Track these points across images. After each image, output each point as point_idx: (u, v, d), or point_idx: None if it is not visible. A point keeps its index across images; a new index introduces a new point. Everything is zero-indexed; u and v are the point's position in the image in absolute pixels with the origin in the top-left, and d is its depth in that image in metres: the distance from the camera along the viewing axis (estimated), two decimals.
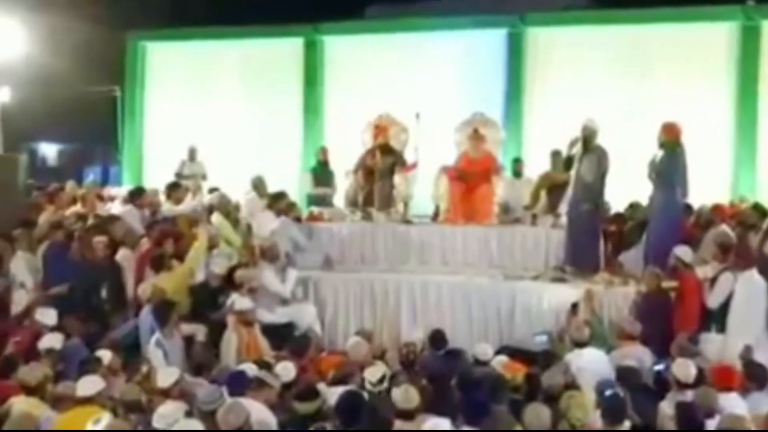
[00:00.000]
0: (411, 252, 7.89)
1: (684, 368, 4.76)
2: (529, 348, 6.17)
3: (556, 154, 8.13)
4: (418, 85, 10.22)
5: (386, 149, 8.57)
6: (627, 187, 7.74)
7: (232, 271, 6.57)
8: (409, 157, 8.62)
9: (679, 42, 9.77)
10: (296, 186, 9.89)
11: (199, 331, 6.02)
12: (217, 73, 11.37)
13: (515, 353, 5.91)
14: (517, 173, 9.08)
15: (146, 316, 5.89)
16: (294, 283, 6.81)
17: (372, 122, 8.93)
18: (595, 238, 7.20)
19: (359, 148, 8.84)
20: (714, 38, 9.78)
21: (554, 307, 6.66)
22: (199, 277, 6.52)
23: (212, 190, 9.24)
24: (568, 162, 7.35)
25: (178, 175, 10.01)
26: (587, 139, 7.12)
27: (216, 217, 7.60)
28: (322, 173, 9.54)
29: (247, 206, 8.37)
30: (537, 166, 8.71)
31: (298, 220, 7.82)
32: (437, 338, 5.96)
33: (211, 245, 6.83)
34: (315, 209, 8.66)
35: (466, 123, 8.85)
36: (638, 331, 5.73)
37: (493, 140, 8.72)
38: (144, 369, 5.25)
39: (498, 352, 5.81)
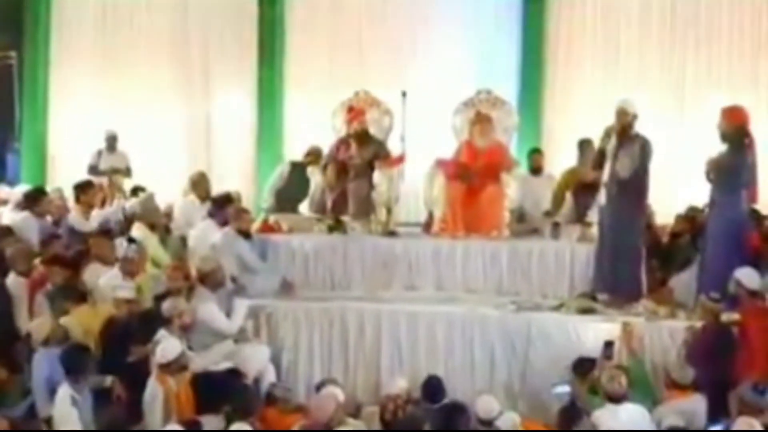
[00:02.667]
0: (395, 273, 7.85)
1: (748, 429, 4.74)
2: (549, 402, 6.12)
3: (585, 145, 8.09)
4: (406, 54, 10.23)
5: (364, 138, 8.50)
6: (678, 189, 7.76)
7: (158, 300, 6.49)
8: (393, 148, 8.56)
9: None
10: (250, 185, 9.87)
11: (114, 383, 5.90)
12: (143, 35, 11.36)
13: (530, 409, 5.92)
14: (535, 169, 9.05)
15: (43, 362, 5.78)
16: (243, 316, 6.74)
17: (345, 102, 8.90)
18: (635, 255, 7.15)
19: (328, 135, 8.79)
20: None
21: (581, 347, 6.62)
22: (129, 293, 6.43)
23: (137, 191, 9.19)
24: (601, 156, 7.31)
25: (93, 169, 10.01)
26: (624, 127, 7.10)
27: (139, 229, 7.56)
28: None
29: (182, 213, 8.44)
30: (560, 159, 8.77)
31: (247, 233, 7.74)
32: (432, 387, 5.90)
33: None
34: (271, 217, 8.60)
35: (467, 103, 8.82)
36: (690, 379, 5.74)
37: (503, 126, 8.67)
38: None
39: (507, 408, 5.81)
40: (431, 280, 7.81)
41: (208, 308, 6.54)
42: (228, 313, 6.65)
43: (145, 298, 6.68)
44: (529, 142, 9.76)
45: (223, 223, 7.68)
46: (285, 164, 9.28)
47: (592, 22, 10.18)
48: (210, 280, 6.66)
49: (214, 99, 11.25)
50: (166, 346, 5.84)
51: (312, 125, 9.98)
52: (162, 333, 6.11)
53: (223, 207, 7.87)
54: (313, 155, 8.98)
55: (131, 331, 6.28)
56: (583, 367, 6.20)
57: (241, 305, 6.74)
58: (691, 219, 7.93)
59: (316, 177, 8.66)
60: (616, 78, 9.31)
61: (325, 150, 8.73)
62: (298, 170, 8.98)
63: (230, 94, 11.26)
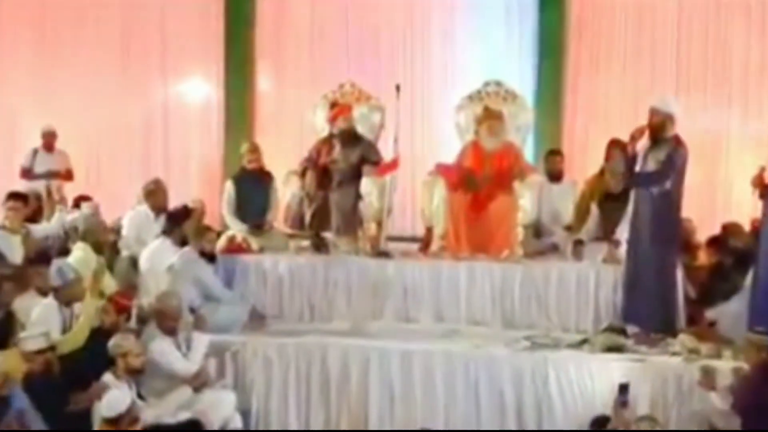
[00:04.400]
0: (387, 302, 7.87)
1: None
2: None
3: (614, 147, 8.09)
4: (400, 42, 10.26)
5: (350, 138, 8.53)
6: (721, 201, 7.74)
7: (100, 338, 6.44)
8: (385, 150, 8.58)
9: None
10: (216, 194, 9.91)
11: None
12: (88, 9, 11.37)
13: None
14: (554, 175, 9.06)
15: None
16: (203, 355, 6.70)
17: (328, 96, 8.95)
18: (670, 280, 7.20)
19: (308, 135, 8.82)
20: None
21: (608, 391, 6.50)
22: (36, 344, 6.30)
23: (80, 201, 9.12)
24: (633, 161, 7.32)
25: (27, 172, 9.98)
26: (657, 128, 7.14)
27: (81, 249, 7.51)
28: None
29: (133, 228, 8.33)
30: (584, 164, 8.79)
31: (211, 254, 7.69)
32: None
33: None
34: (238, 234, 8.54)
35: (473, 97, 8.86)
36: None
37: (515, 124, 8.71)
38: None
39: None
40: (429, 310, 7.81)
41: (160, 346, 6.49)
42: (185, 352, 6.61)
43: (78, 335, 6.63)
44: (547, 143, 9.79)
45: (182, 242, 7.65)
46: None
47: (622, 4, 10.24)
48: (165, 322, 6.60)
49: (173, 94, 11.32)
50: (112, 397, 5.77)
51: (289, 124, 9.98)
52: (106, 378, 6.05)
53: (180, 222, 7.82)
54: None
55: (54, 385, 6.17)
56: (622, 391, 6.13)
57: (202, 342, 6.69)
58: (735, 236, 7.90)
59: (292, 185, 8.65)
60: (652, 71, 9.32)
61: (303, 153, 8.72)
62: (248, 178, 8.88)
63: (192, 88, 11.32)
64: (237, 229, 8.55)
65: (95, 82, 11.22)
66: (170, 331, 6.58)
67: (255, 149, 8.86)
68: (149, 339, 6.53)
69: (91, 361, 6.38)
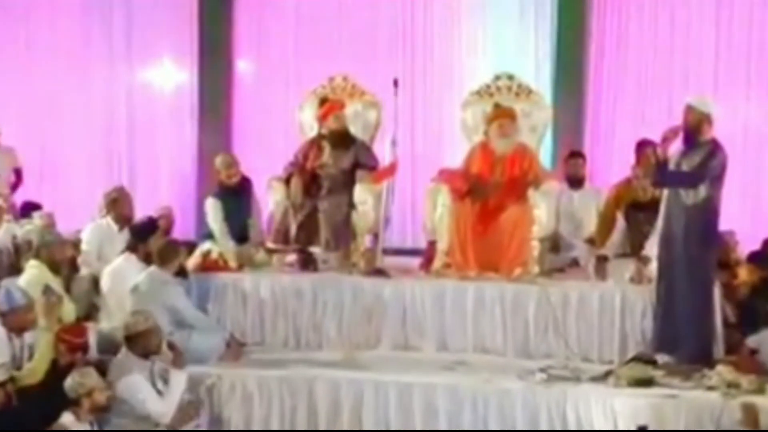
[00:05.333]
0: (384, 328, 7.86)
1: None
2: None
3: (644, 149, 8.07)
4: (400, 27, 10.27)
5: (342, 139, 8.54)
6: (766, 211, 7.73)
7: (57, 372, 6.39)
8: (382, 153, 8.58)
9: None
10: (190, 203, 9.95)
11: None
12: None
13: None
14: (575, 180, 9.09)
15: None
16: (181, 393, 6.65)
17: (317, 91, 8.98)
18: (706, 302, 7.19)
19: (294, 135, 8.85)
20: None
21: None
22: None
23: (29, 210, 9.06)
24: (663, 167, 7.30)
25: None
26: (693, 128, 7.15)
27: (35, 267, 7.48)
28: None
29: (94, 243, 8.32)
30: (609, 168, 8.67)
31: (183, 272, 7.66)
32: None
33: None
34: (213, 248, 8.52)
35: (482, 92, 8.86)
36: None
37: (530, 123, 8.70)
38: None
39: None
40: (432, 337, 7.79)
41: (132, 382, 6.43)
42: (160, 389, 6.57)
43: (37, 369, 6.59)
44: (566, 144, 9.79)
45: (147, 260, 7.65)
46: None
47: None
48: (140, 345, 6.54)
49: (139, 82, 11.35)
50: None
51: (272, 122, 10.04)
52: (65, 419, 5.99)
53: (146, 237, 7.80)
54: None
55: (13, 421, 6.16)
56: None
57: (179, 379, 6.64)
58: None
59: (275, 192, 8.63)
60: (687, 61, 9.28)
61: (288, 156, 8.71)
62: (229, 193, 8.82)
63: (161, 75, 11.35)
64: (229, 250, 8.47)
65: (48, 65, 11.27)
66: (145, 354, 6.53)
67: (232, 163, 8.76)
68: (120, 372, 6.46)
69: (48, 397, 6.31)
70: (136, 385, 6.43)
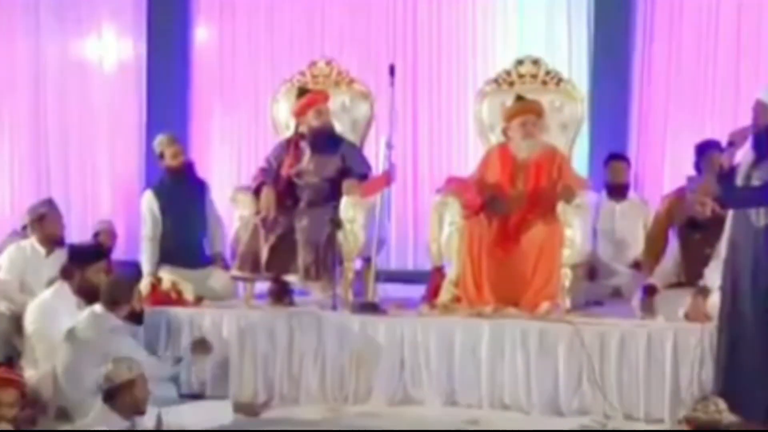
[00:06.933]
0: (376, 377, 7.86)
1: None
2: None
3: (708, 153, 8.10)
4: (399, 1, 10.40)
5: (325, 140, 8.59)
6: None
7: None
8: (374, 158, 8.63)
9: None
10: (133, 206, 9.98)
11: None
12: None
13: None
14: (617, 190, 9.17)
15: None
16: None
17: (295, 79, 9.05)
18: None
19: (266, 135, 8.98)
20: None
21: None
22: None
23: None
24: (727, 177, 7.26)
25: None
26: (766, 132, 7.08)
27: None
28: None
29: (14, 270, 8.32)
30: (660, 175, 8.55)
31: (134, 316, 7.52)
32: None
33: None
34: (166, 277, 8.54)
35: (501, 81, 8.90)
36: None
37: (560, 119, 8.73)
38: None
39: None
40: (437, 388, 7.76)
41: None
42: None
43: None
44: (606, 145, 9.86)
45: (87, 293, 7.62)
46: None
47: None
48: (126, 400, 6.46)
49: (73, 53, 11.45)
50: None
51: (238, 117, 10.03)
52: None
53: (88, 264, 7.73)
54: None
55: None
56: None
57: None
58: None
59: (241, 206, 8.66)
60: (758, 51, 9.36)
61: (258, 161, 8.91)
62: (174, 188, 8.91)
63: (102, 46, 11.43)
64: (166, 276, 8.57)
65: None
66: (136, 412, 6.51)
67: (174, 139, 8.89)
68: None
69: None
70: None
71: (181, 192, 8.83)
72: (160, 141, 8.90)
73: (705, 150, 8.20)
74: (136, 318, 7.53)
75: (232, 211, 8.84)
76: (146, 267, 8.70)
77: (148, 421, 6.73)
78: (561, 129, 8.67)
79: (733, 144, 7.23)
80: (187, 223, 8.80)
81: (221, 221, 9.07)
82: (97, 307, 7.42)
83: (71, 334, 7.29)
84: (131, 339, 7.47)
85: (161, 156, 8.87)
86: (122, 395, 6.46)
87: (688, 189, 8.18)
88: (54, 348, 7.36)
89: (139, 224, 9.17)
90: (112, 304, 7.38)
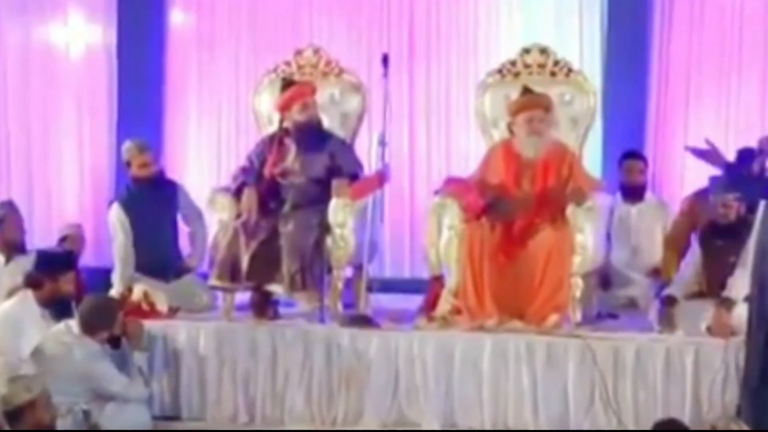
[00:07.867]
0: (368, 397, 7.89)
1: None
2: None
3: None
4: None
5: (312, 136, 8.64)
6: None
7: None
8: (366, 156, 8.70)
9: None
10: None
11: None
12: None
13: None
14: (633, 191, 9.23)
15: None
16: None
17: (279, 69, 9.12)
18: None
19: (246, 130, 9.04)
20: None
21: None
22: None
23: None
24: (755, 181, 7.45)
25: None
26: None
27: None
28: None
29: None
30: (679, 175, 8.65)
31: (113, 340, 7.61)
32: None
33: None
34: (137, 288, 8.57)
35: (505, 72, 8.96)
36: None
37: (570, 114, 8.80)
38: None
39: None
40: (435, 409, 7.78)
41: None
42: None
43: None
44: (621, 142, 9.90)
45: (58, 311, 7.70)
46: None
47: None
48: (27, 423, 6.40)
49: (37, 40, 11.49)
50: None
51: (216, 110, 10.14)
52: None
53: (57, 274, 7.80)
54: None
55: None
56: None
57: None
58: None
59: (219, 209, 8.69)
60: None
61: (238, 159, 8.99)
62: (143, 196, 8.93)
63: (65, 45, 11.48)
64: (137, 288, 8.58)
65: None
66: None
67: (144, 147, 8.88)
68: None
69: None
70: None
71: (150, 202, 8.85)
72: (128, 148, 8.90)
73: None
74: (114, 342, 7.59)
75: (210, 215, 8.88)
76: (118, 286, 8.69)
77: None
78: (571, 124, 8.73)
79: (764, 152, 7.32)
80: (159, 234, 8.84)
81: (202, 215, 9.03)
82: (74, 327, 7.46)
83: (37, 354, 7.36)
84: (109, 367, 7.48)
85: (128, 164, 8.88)
86: (24, 417, 6.44)
87: (710, 191, 8.33)
88: (18, 362, 7.39)
89: (104, 223, 9.22)
90: (91, 329, 7.44)
